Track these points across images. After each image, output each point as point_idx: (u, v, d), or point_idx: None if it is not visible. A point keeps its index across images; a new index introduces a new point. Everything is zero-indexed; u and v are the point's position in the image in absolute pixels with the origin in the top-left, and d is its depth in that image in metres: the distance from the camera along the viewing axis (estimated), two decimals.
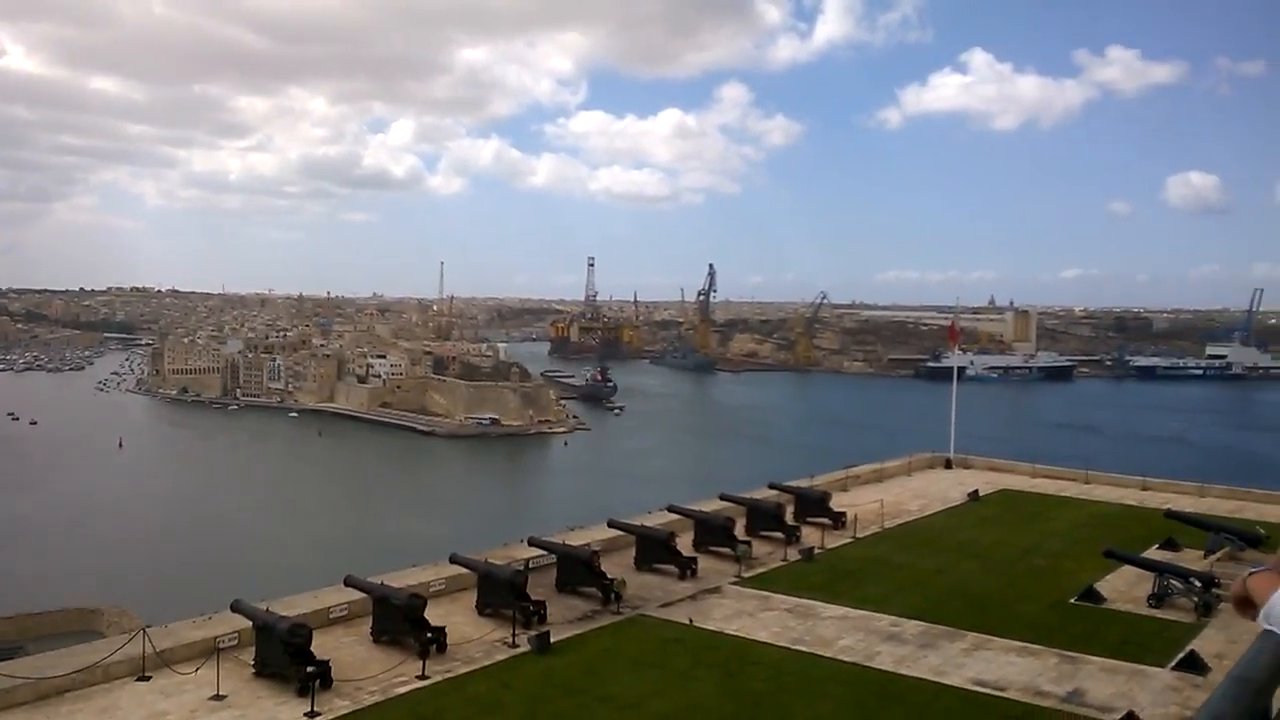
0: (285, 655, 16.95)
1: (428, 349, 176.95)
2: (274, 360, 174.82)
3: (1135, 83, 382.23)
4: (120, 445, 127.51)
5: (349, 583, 21.03)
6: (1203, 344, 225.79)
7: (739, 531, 26.70)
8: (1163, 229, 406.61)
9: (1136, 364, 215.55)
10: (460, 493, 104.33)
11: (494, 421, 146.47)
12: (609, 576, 22.18)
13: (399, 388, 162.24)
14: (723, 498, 30.25)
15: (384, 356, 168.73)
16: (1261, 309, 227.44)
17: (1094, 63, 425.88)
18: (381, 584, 20.50)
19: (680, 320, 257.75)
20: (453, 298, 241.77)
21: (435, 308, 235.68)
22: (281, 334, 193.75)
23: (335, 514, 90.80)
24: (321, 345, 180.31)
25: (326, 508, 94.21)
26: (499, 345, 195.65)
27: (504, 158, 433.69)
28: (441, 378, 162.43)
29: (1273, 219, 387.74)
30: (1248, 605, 2.40)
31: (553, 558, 23.47)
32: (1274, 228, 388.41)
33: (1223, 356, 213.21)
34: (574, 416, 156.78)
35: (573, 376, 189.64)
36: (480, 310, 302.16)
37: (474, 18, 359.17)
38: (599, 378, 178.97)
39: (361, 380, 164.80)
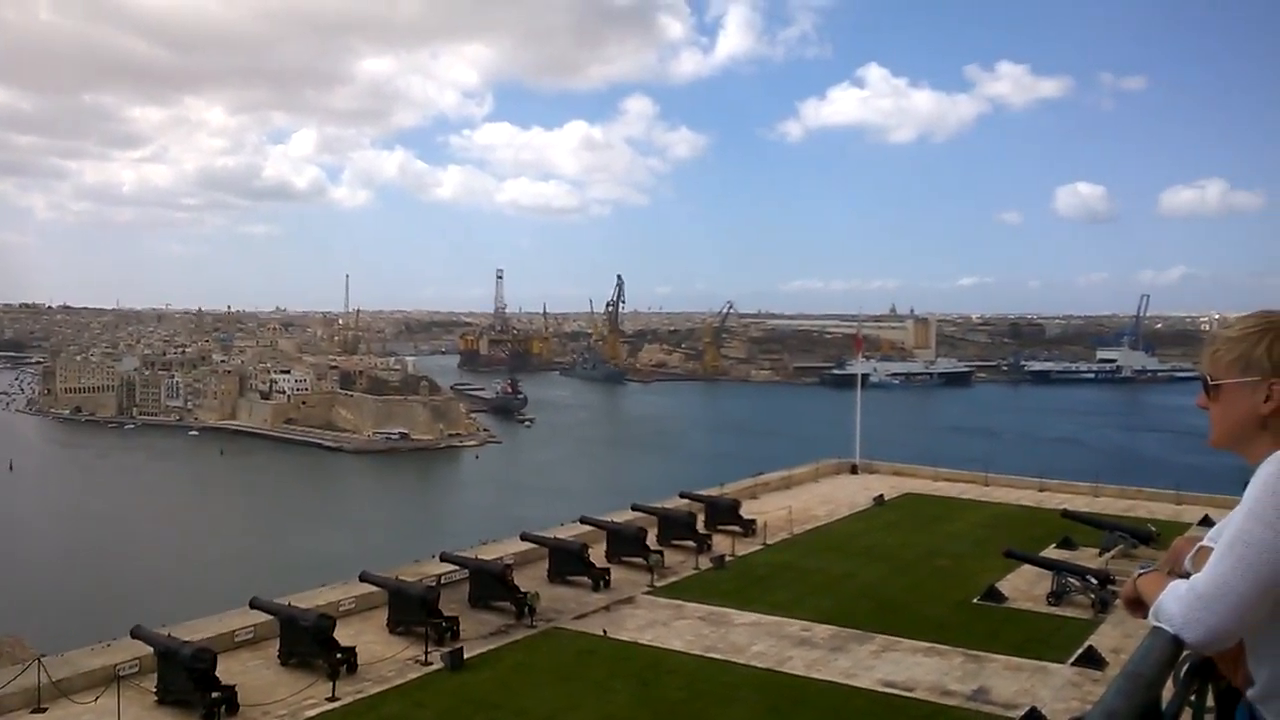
0: (189, 681, 16.53)
1: (333, 363, 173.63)
2: (172, 377, 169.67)
3: (1024, 97, 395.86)
4: (10, 468, 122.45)
5: (255, 605, 20.57)
6: (1093, 349, 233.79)
7: (651, 541, 26.84)
8: (1053, 238, 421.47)
9: (1031, 369, 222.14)
10: (369, 509, 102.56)
11: (403, 436, 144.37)
12: (522, 590, 22.11)
13: (304, 403, 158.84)
14: (635, 508, 30.39)
15: (288, 372, 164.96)
16: (1148, 314, 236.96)
17: (985, 78, 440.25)
18: (289, 605, 20.12)
19: (590, 331, 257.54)
20: (359, 311, 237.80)
21: (341, 321, 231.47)
22: (180, 350, 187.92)
23: (239, 534, 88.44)
24: (222, 361, 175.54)
25: (230, 528, 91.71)
26: (407, 359, 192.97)
27: (409, 169, 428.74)
28: (348, 393, 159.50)
29: (1157, 227, 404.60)
30: (1138, 605, 2.56)
31: (465, 573, 23.31)
32: (1158, 236, 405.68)
33: (1113, 361, 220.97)
34: (485, 430, 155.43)
35: (483, 389, 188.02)
36: (388, 323, 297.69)
37: (376, 28, 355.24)
38: (509, 390, 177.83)
39: (265, 397, 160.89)
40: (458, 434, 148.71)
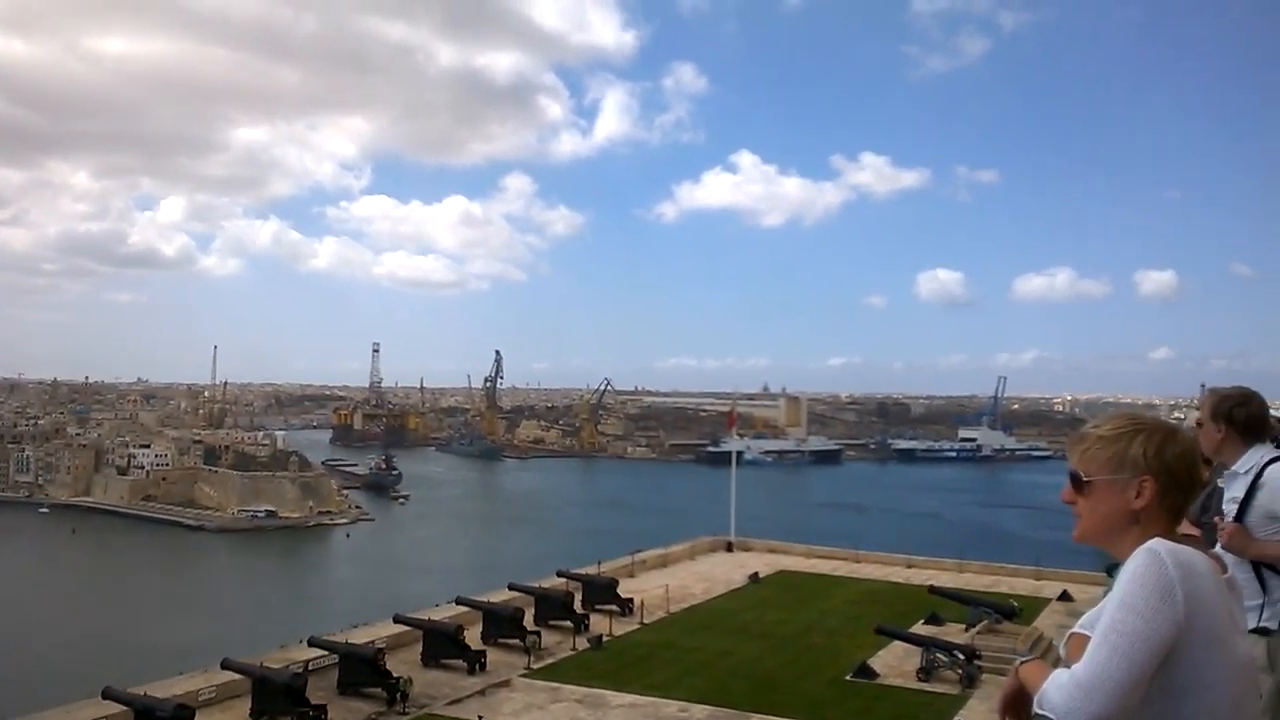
0: None
1: (197, 437, 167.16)
2: (23, 451, 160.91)
3: (886, 187, 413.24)
4: None
5: (107, 695, 19.51)
6: (955, 428, 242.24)
7: (528, 621, 26.51)
8: (916, 321, 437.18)
9: (898, 447, 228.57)
10: (233, 591, 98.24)
11: (270, 514, 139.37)
12: (395, 675, 21.52)
13: (164, 479, 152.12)
14: (511, 587, 30.00)
15: (148, 446, 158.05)
16: (1005, 395, 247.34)
17: (850, 167, 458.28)
18: (144, 695, 19.14)
19: (467, 407, 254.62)
20: (226, 383, 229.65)
21: (207, 394, 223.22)
22: (32, 422, 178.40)
23: (91, 619, 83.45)
24: (78, 434, 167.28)
25: (81, 612, 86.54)
26: (277, 433, 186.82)
27: (283, 239, 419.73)
28: (212, 468, 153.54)
29: (1011, 312, 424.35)
30: (1020, 698, 2.77)
31: (334, 658, 22.55)
32: (1012, 320, 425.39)
33: (973, 439, 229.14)
34: (357, 507, 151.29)
35: (356, 465, 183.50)
36: (257, 396, 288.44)
37: (253, 98, 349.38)
38: (383, 466, 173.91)
39: (122, 472, 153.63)
40: (328, 511, 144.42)
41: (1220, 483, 4.82)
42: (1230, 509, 4.61)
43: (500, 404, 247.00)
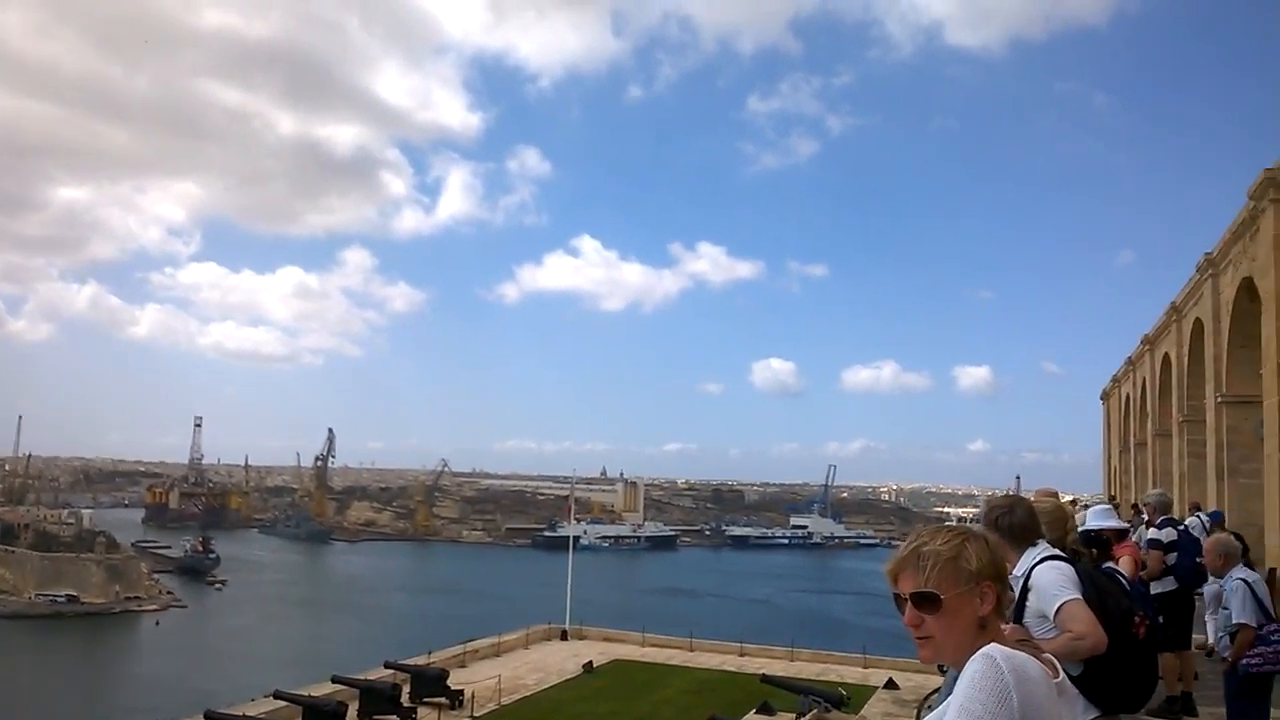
0: None
1: None
2: None
3: (723, 276, 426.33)
4: None
5: None
6: (787, 515, 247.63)
7: (352, 717, 25.47)
8: (750, 409, 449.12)
9: (732, 533, 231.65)
10: (25, 685, 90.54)
11: (71, 598, 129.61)
12: None
13: None
14: (335, 679, 28.79)
15: None
16: (835, 483, 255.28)
17: (688, 256, 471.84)
18: None
19: (295, 486, 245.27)
20: (30, 456, 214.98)
21: (8, 467, 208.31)
22: None
23: None
24: None
25: None
26: (83, 511, 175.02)
27: (102, 304, 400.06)
28: (9, 548, 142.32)
29: (839, 403, 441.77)
30: None
31: None
32: (841, 411, 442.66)
33: (804, 527, 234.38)
34: (168, 592, 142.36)
35: (169, 547, 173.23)
36: (64, 471, 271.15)
37: (77, 156, 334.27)
38: (200, 548, 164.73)
39: None
40: (137, 597, 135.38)
41: None
42: (1009, 612, 4.87)
43: (331, 484, 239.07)
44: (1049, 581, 4.76)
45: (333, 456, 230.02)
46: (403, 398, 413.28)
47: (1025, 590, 4.81)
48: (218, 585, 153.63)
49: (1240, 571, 9.46)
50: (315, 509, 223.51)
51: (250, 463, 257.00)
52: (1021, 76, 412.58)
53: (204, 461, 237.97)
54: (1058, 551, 5.02)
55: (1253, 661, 9.10)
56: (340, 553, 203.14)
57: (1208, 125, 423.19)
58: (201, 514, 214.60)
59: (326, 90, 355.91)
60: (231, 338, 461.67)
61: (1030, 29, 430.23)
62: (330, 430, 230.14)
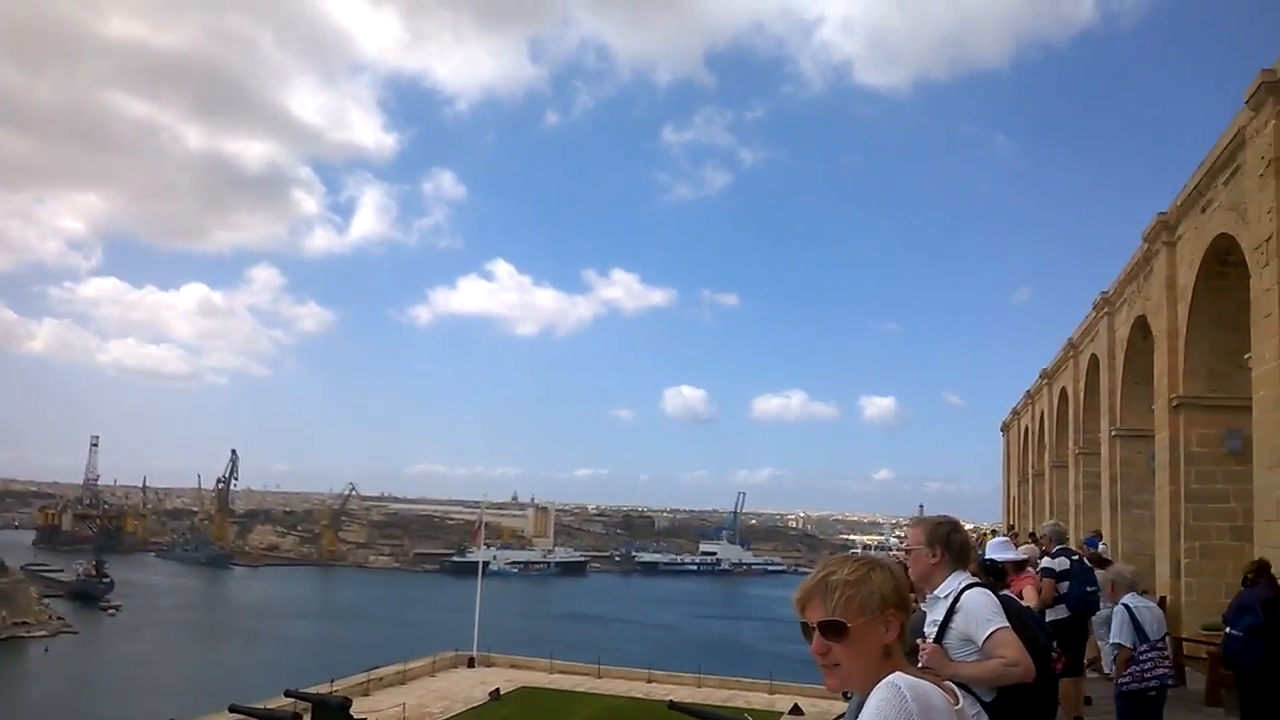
0: None
1: None
2: None
3: (636, 303, 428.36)
4: None
5: None
6: (697, 541, 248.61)
7: None
8: (662, 435, 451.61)
9: (641, 559, 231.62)
10: None
11: None
12: None
13: None
14: (233, 709, 27.60)
15: None
16: (744, 510, 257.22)
17: (601, 282, 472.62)
18: None
19: (195, 509, 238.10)
20: None
21: None
22: None
23: None
24: None
25: None
26: None
27: None
28: None
29: (749, 430, 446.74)
30: None
31: None
32: (750, 438, 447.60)
33: (713, 553, 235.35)
34: (59, 617, 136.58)
35: (61, 570, 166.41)
36: None
37: None
38: (93, 572, 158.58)
39: None
40: (25, 622, 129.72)
41: (923, 606, 5.18)
42: (931, 630, 4.94)
43: (233, 507, 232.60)
44: (981, 607, 4.85)
45: (235, 478, 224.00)
46: (310, 419, 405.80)
47: (952, 611, 4.88)
48: (111, 610, 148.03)
49: (1128, 598, 9.95)
50: (215, 532, 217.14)
51: (148, 484, 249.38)
52: (926, 117, 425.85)
53: (100, 482, 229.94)
54: (978, 579, 5.16)
55: (1123, 681, 9.70)
56: (241, 578, 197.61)
57: (1103, 171, 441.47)
58: (96, 536, 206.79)
59: (238, 105, 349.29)
60: (132, 355, 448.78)
61: (935, 72, 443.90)
62: (233, 451, 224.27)
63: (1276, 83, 13.70)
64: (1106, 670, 11.18)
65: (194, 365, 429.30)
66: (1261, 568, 10.49)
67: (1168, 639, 9.74)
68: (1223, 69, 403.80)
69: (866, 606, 2.66)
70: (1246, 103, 14.58)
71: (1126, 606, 9.87)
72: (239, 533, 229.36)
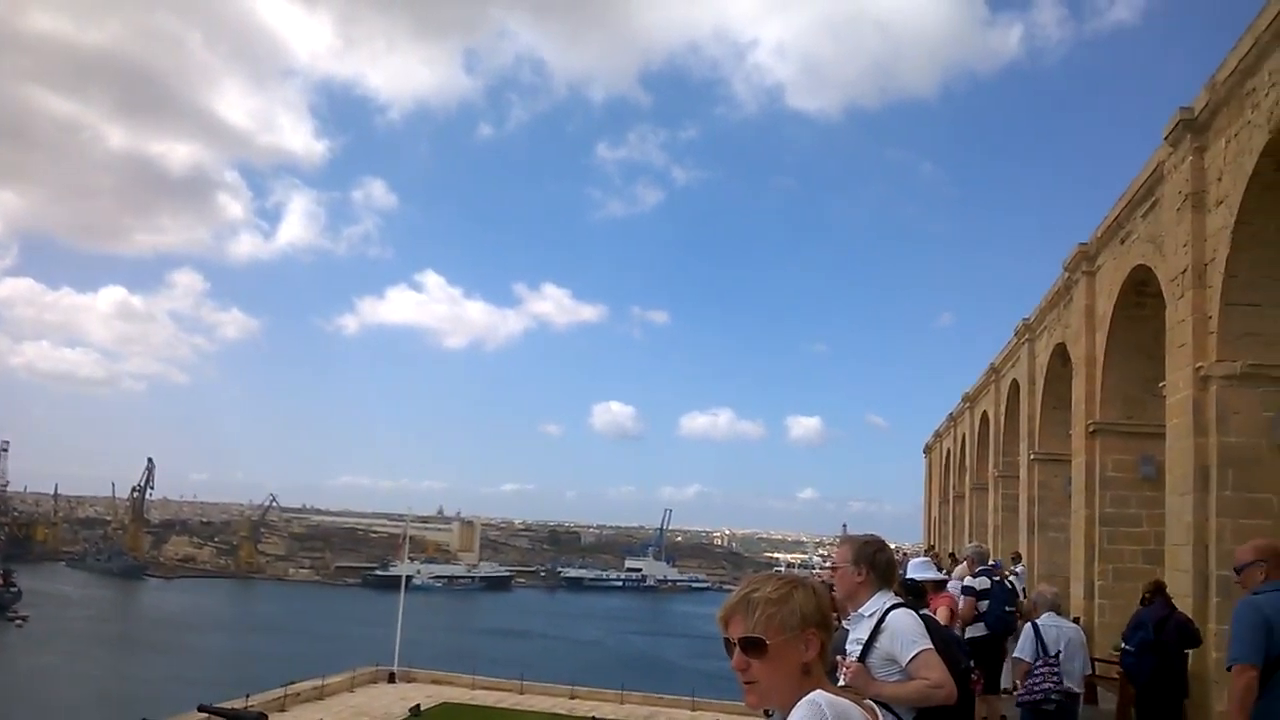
0: None
1: None
2: None
3: (566, 318, 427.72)
4: None
5: None
6: (623, 557, 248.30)
7: None
8: (589, 451, 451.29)
9: (567, 575, 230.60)
10: None
11: None
12: None
13: None
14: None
15: None
16: (670, 527, 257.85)
17: (532, 296, 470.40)
18: None
19: (109, 518, 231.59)
20: None
21: None
22: None
23: None
24: None
25: None
26: None
27: None
28: None
29: (676, 448, 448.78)
30: None
31: None
32: (677, 456, 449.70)
33: (639, 570, 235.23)
34: None
35: None
36: None
37: None
38: (0, 581, 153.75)
39: None
40: None
41: (845, 624, 5.25)
42: (854, 649, 5.00)
43: (148, 516, 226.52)
44: (907, 628, 4.92)
45: (151, 487, 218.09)
46: (231, 428, 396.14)
47: (877, 630, 4.94)
48: (19, 621, 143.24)
49: (1045, 617, 10.26)
50: (129, 542, 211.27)
51: (60, 491, 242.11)
52: (855, 141, 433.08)
53: (9, 489, 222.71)
54: (901, 599, 5.23)
55: (1019, 694, 10.10)
56: (155, 589, 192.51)
57: (1027, 200, 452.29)
58: (4, 544, 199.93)
59: (163, 105, 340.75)
60: (45, 358, 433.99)
61: (865, 98, 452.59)
62: (150, 460, 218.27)
63: (1194, 120, 14.19)
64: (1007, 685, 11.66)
65: (110, 370, 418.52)
66: (1158, 588, 11.17)
67: (1061, 656, 10.03)
68: (1142, 106, 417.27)
69: (787, 624, 2.68)
70: (1165, 139, 15.09)
71: (1034, 624, 10.24)
72: (154, 543, 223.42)
